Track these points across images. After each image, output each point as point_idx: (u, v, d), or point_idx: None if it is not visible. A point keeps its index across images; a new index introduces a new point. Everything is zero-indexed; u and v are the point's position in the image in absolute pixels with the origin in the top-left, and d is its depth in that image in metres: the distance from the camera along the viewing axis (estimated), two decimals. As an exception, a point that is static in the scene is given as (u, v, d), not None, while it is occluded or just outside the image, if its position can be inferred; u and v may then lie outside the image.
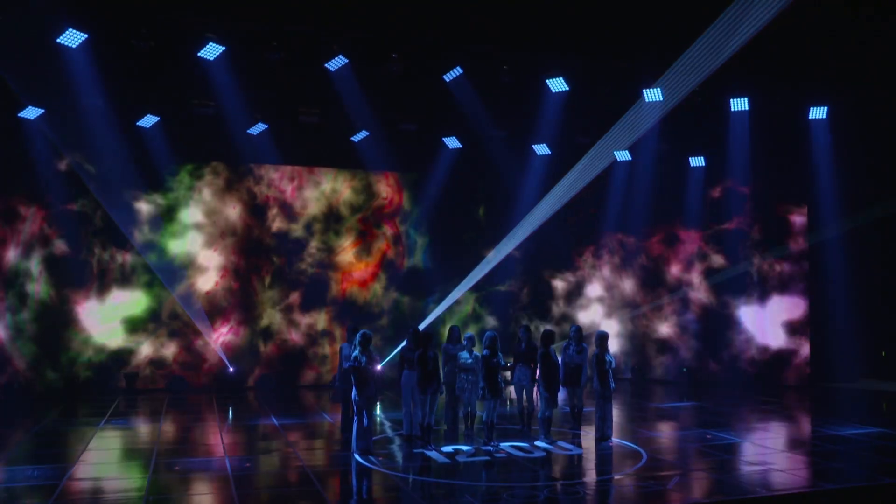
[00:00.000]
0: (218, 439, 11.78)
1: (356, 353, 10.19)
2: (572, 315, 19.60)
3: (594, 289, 19.92)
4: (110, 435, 12.04)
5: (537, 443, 11.08)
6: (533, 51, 14.65)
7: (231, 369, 16.98)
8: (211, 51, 13.45)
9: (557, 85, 15.30)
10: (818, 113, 16.50)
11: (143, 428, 12.74)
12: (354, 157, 17.26)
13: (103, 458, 10.44)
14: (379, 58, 14.36)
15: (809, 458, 10.33)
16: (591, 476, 9.71)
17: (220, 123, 15.63)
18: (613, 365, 11.55)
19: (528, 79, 15.24)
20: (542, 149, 17.86)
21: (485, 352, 10.97)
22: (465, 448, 10.81)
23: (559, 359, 11.41)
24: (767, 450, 10.87)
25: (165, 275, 16.53)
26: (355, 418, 10.29)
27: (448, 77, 14.74)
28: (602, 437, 11.40)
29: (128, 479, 9.41)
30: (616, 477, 9.49)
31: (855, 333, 16.58)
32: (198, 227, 16.99)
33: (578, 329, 11.61)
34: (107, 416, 13.59)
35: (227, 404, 15.11)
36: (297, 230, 17.69)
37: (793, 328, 17.76)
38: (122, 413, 14.04)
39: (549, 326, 13.51)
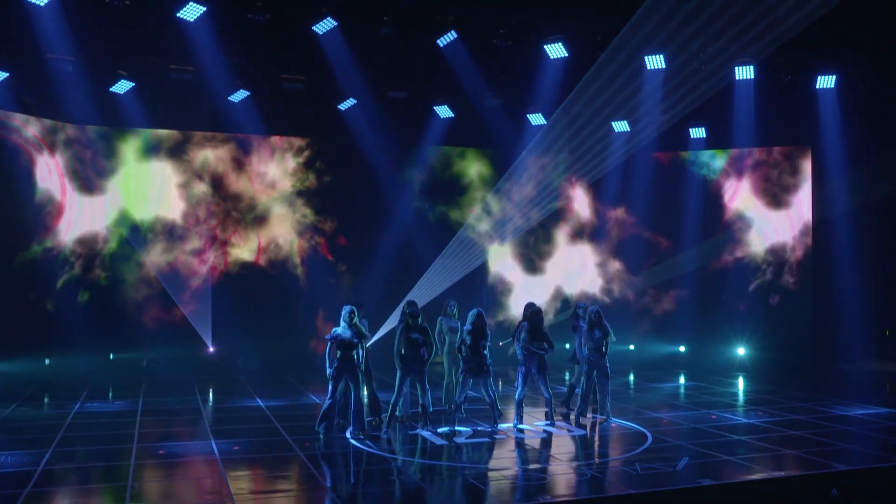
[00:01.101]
0: (203, 421, 11.63)
1: (338, 328, 10.22)
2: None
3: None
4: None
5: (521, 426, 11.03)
6: (531, 14, 14.41)
7: (211, 349, 16.79)
8: (191, 11, 13.07)
9: (556, 51, 15.08)
10: (826, 82, 16.40)
11: (122, 410, 12.55)
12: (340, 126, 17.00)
13: (81, 443, 10.26)
14: (370, 21, 14.05)
15: (820, 438, 10.34)
16: (600, 458, 9.68)
17: (199, 90, 15.28)
18: (614, 339, 11.58)
19: (525, 44, 15.01)
20: (537, 119, 17.68)
21: (467, 327, 10.83)
22: (462, 429, 10.75)
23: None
24: (775, 430, 10.90)
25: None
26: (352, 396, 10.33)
27: (442, 42, 14.47)
28: (603, 417, 11.43)
29: (110, 465, 9.24)
30: (623, 458, 9.44)
31: (860, 313, 16.61)
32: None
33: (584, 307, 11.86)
34: (81, 398, 13.40)
35: (208, 385, 14.96)
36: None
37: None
38: (96, 396, 13.85)
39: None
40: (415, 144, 17.93)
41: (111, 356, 16.23)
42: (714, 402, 13.53)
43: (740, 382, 15.97)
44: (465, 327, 10.94)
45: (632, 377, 16.30)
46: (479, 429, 10.92)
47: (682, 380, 16.27)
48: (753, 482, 8.33)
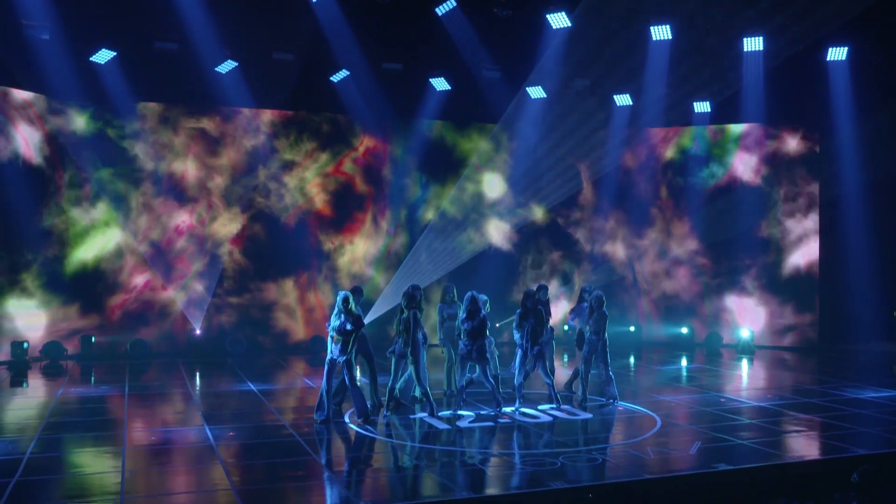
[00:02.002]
0: (194, 406, 11.50)
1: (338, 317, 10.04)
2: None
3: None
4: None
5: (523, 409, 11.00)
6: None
7: (198, 331, 16.63)
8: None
9: (559, 21, 14.92)
10: (837, 54, 16.31)
11: (108, 395, 12.40)
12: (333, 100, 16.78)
13: (69, 429, 10.11)
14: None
15: (833, 422, 10.35)
16: (609, 442, 9.64)
17: (184, 61, 15.00)
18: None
19: (526, 14, 14.83)
20: (536, 91, 17.52)
21: (462, 314, 10.72)
22: (464, 413, 10.70)
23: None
24: (788, 414, 10.91)
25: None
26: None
27: (441, 10, 14.27)
28: (609, 400, 11.47)
29: (101, 452, 9.11)
30: (634, 442, 9.40)
31: (868, 294, 16.65)
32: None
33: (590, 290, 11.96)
34: (63, 383, 13.24)
35: (195, 369, 14.83)
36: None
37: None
38: (79, 380, 13.69)
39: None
40: (409, 118, 17.73)
41: (92, 339, 16.04)
42: (720, 384, 13.55)
43: (744, 364, 16.01)
44: (460, 314, 10.85)
45: (632, 359, 16.30)
46: (482, 412, 10.87)
47: (684, 362, 16.30)
48: (772, 467, 8.30)
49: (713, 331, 18.52)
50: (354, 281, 17.23)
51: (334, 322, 9.99)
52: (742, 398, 12.24)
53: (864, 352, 16.71)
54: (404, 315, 10.52)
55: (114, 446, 9.16)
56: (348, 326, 9.92)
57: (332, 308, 10.24)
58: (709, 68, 16.70)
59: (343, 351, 9.99)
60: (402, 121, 17.81)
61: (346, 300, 10.02)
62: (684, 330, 18.73)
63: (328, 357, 10.06)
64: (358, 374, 10.82)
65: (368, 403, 10.69)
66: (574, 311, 12.25)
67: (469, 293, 10.80)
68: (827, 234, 17.88)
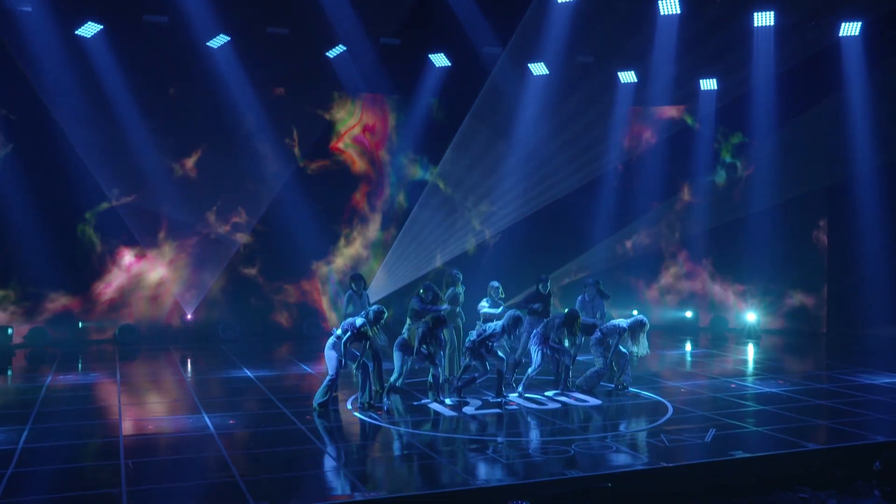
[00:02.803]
0: (190, 394, 11.44)
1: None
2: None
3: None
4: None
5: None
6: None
7: (189, 316, 16.54)
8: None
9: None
10: (850, 29, 16.24)
11: (99, 382, 12.32)
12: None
13: (61, 418, 10.03)
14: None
15: (849, 408, 10.38)
16: (621, 430, 9.64)
17: (175, 35, 14.79)
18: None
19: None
20: (538, 68, 17.41)
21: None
22: (471, 400, 10.70)
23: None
24: (801, 400, 10.94)
25: None
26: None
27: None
28: (619, 387, 11.50)
29: (96, 442, 9.04)
30: (647, 429, 9.41)
31: (879, 276, 16.69)
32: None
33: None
34: (51, 371, 13.15)
35: (187, 355, 14.76)
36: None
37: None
38: (67, 367, 13.60)
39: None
40: (407, 95, 17.59)
41: (80, 324, 15.93)
42: (728, 370, 13.58)
43: (751, 349, 16.07)
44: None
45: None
46: (488, 399, 10.86)
47: (688, 347, 16.34)
48: (791, 455, 8.31)
49: (718, 315, 18.56)
50: (351, 265, 17.21)
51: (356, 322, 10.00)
52: (753, 384, 12.27)
53: (874, 336, 16.77)
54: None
55: (110, 436, 9.09)
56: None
57: (336, 295, 10.23)
58: (716, 43, 16.66)
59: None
60: (401, 98, 17.65)
61: (379, 314, 10.01)
62: (688, 314, 18.78)
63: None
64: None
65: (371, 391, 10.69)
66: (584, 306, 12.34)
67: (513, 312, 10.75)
68: (836, 215, 17.87)
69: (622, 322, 11.49)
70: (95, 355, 14.78)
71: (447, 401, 10.67)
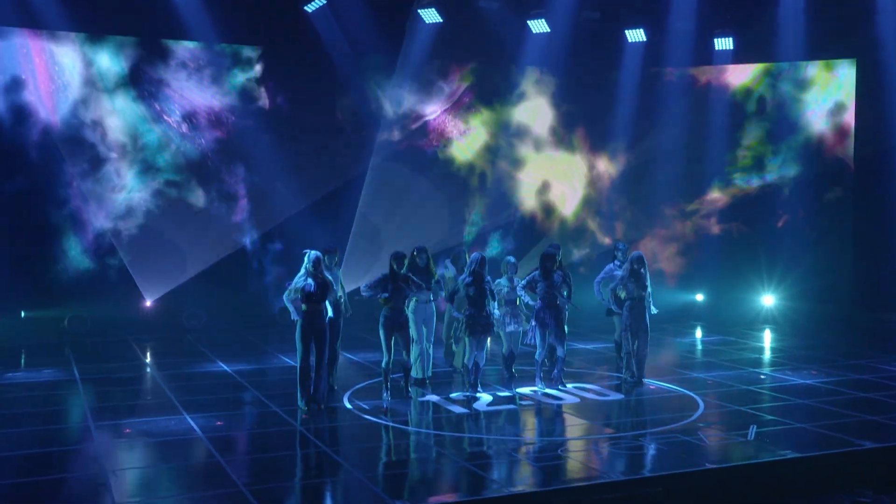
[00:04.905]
0: (165, 392, 11.19)
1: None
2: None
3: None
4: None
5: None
6: None
7: (148, 303, 16.20)
8: None
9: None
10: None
11: (56, 381, 12.02)
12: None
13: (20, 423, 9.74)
14: None
15: (896, 402, 10.48)
16: (652, 427, 9.61)
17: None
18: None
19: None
20: (539, 25, 17.29)
21: (466, 278, 10.58)
22: (481, 395, 10.62)
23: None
24: (842, 392, 10.98)
25: None
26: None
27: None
28: (637, 380, 11.42)
29: (69, 450, 8.78)
30: (680, 427, 9.37)
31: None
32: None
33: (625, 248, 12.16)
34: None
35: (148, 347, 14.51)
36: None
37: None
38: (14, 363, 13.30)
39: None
40: (395, 55, 17.35)
41: (22, 314, 15.50)
42: (750, 358, 13.63)
43: (767, 336, 16.16)
44: (463, 277, 10.67)
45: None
46: (499, 394, 10.78)
47: (699, 333, 16.40)
48: (847, 454, 8.31)
49: (731, 298, 18.63)
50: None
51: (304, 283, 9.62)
52: (782, 374, 12.30)
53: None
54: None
55: (83, 442, 8.84)
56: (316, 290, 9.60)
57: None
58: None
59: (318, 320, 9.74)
60: (386, 58, 17.40)
61: (317, 261, 9.64)
62: (699, 297, 18.84)
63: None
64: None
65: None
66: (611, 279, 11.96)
67: (477, 254, 10.65)
68: (861, 193, 18.00)
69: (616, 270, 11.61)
70: (43, 349, 14.36)
71: (454, 395, 10.57)
